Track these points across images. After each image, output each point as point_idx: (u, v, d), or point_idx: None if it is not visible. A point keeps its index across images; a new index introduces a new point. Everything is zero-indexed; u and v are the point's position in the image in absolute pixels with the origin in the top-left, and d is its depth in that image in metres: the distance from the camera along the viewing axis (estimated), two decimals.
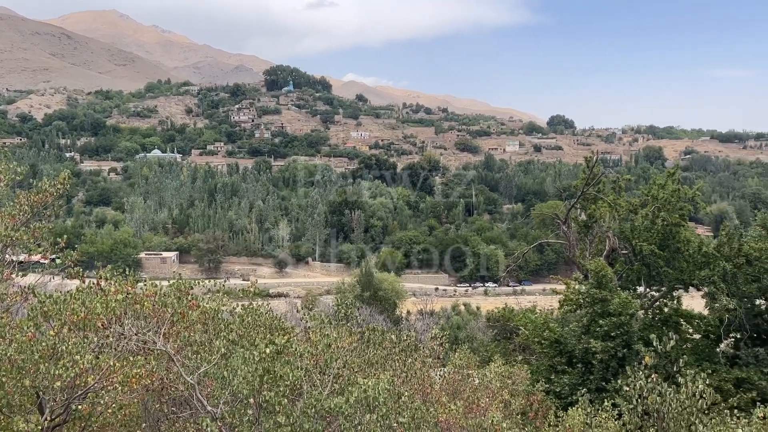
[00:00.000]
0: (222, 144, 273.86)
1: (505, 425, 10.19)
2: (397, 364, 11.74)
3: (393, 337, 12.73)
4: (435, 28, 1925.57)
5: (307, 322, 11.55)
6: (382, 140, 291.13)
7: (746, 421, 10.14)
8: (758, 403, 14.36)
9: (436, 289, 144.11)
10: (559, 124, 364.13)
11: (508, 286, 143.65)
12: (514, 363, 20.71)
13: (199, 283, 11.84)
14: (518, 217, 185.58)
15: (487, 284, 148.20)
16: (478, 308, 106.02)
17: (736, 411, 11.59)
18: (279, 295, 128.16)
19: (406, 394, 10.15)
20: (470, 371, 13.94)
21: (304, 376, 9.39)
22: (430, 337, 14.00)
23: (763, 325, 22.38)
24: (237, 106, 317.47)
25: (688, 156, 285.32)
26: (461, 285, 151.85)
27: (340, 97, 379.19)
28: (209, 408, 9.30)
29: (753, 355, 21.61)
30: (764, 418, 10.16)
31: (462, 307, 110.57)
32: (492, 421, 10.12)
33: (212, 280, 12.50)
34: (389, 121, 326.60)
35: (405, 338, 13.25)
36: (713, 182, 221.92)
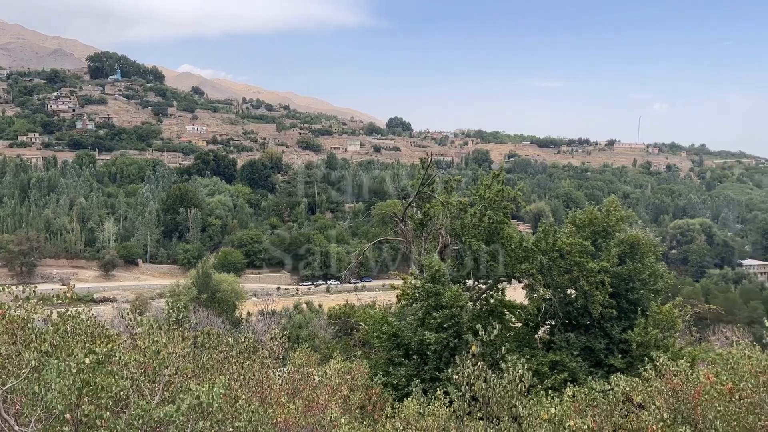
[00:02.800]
0: (37, 135, 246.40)
1: (343, 420, 10.30)
2: (234, 367, 11.37)
3: (230, 339, 12.31)
4: (277, 23, 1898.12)
5: (134, 327, 10.75)
6: (220, 135, 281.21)
7: (558, 400, 11.22)
8: (569, 383, 15.98)
9: (278, 288, 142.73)
10: (397, 126, 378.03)
11: (349, 283, 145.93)
12: (354, 358, 21.07)
13: (5, 289, 10.49)
14: (359, 216, 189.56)
15: (329, 282, 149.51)
16: (320, 306, 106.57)
17: (550, 391, 12.77)
18: (105, 300, 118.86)
19: (244, 397, 9.86)
20: (310, 369, 13.91)
21: (131, 386, 8.72)
22: (269, 338, 13.74)
23: (573, 313, 24.89)
24: (55, 93, 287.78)
25: (511, 159, 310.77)
26: (304, 283, 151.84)
27: (174, 88, 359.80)
28: (17, 428, 8.31)
29: (565, 340, 23.98)
30: (573, 396, 11.33)
31: (304, 306, 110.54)
32: (330, 417, 10.18)
33: (22, 286, 11.16)
34: (228, 116, 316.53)
35: (243, 340, 12.88)
36: (532, 183, 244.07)
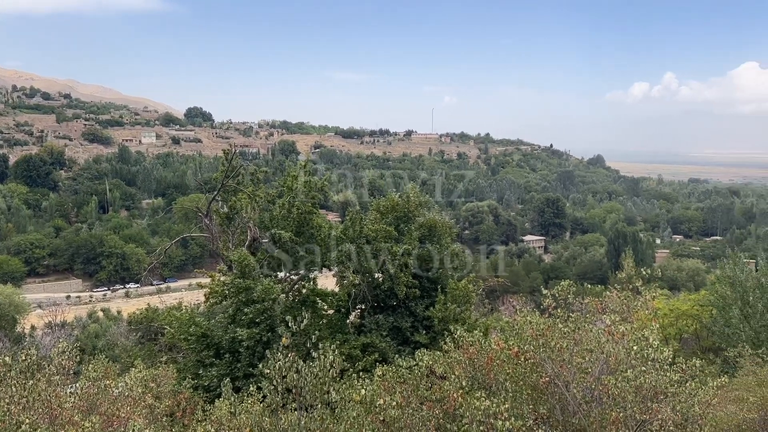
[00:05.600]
0: None
1: (147, 431, 9.64)
2: (15, 389, 10.01)
3: (7, 359, 10.81)
4: (51, 4, 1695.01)
5: None
6: None
7: (369, 380, 11.64)
8: (379, 363, 16.66)
9: (68, 297, 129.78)
10: (197, 117, 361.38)
11: (151, 285, 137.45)
12: (160, 364, 19.82)
13: None
14: (159, 212, 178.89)
15: (128, 286, 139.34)
16: (119, 312, 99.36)
17: (362, 373, 13.18)
18: None
19: (28, 421, 8.74)
20: (109, 382, 12.75)
21: None
22: (57, 352, 12.31)
23: (381, 295, 25.98)
24: None
25: (317, 150, 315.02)
26: (98, 289, 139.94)
27: None
28: None
29: (374, 322, 24.97)
30: (383, 375, 11.83)
31: (100, 314, 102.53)
32: (133, 430, 9.45)
33: None
34: None
35: (24, 358, 11.38)
36: (339, 173, 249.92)
